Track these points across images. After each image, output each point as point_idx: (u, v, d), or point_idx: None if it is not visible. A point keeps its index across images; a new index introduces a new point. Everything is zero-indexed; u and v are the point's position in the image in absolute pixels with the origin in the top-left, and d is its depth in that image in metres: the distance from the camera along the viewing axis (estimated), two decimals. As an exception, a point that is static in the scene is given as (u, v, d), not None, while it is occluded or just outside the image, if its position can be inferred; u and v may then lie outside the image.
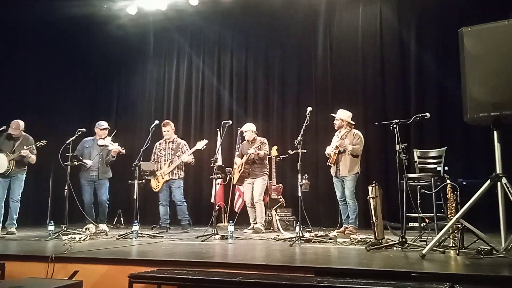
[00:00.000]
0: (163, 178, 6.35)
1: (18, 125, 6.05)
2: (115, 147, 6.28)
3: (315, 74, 7.74)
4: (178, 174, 6.43)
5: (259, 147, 6.17)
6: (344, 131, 5.82)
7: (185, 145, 6.54)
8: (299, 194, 4.93)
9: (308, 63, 7.86)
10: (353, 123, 5.88)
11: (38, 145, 5.98)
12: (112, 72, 9.31)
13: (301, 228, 4.72)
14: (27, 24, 7.47)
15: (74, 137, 5.81)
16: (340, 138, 5.73)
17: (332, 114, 5.98)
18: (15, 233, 5.85)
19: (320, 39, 7.78)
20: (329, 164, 5.83)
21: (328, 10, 7.74)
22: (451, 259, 3.43)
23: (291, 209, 6.79)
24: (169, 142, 6.54)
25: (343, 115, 5.87)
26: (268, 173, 6.43)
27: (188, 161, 6.42)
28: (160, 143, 6.60)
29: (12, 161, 5.95)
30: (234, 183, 6.81)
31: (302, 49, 7.94)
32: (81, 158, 6.16)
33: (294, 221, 6.59)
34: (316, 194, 7.19)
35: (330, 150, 5.85)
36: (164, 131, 6.52)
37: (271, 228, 6.36)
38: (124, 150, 6.29)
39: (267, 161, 6.43)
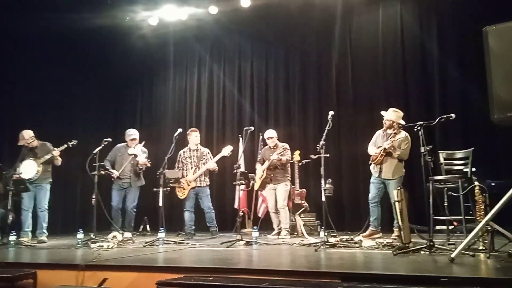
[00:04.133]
0: (189, 186, 6.44)
1: (22, 136, 6.21)
2: (141, 160, 6.41)
3: (336, 77, 7.69)
4: (205, 181, 6.54)
5: (282, 153, 6.17)
6: (392, 132, 5.55)
7: (208, 153, 6.65)
8: (323, 199, 4.90)
9: (328, 67, 7.82)
10: (403, 123, 5.54)
11: (70, 145, 6.14)
12: (135, 82, 9.50)
13: (326, 233, 4.68)
14: (49, 36, 7.64)
15: (101, 147, 5.94)
16: (390, 140, 5.47)
17: (382, 113, 5.69)
18: (45, 242, 6.01)
19: (339, 43, 7.72)
20: (372, 163, 5.63)
21: (346, 13, 7.70)
22: (482, 262, 3.35)
23: (315, 214, 6.75)
24: (193, 150, 6.64)
25: (393, 116, 5.55)
26: (290, 179, 6.41)
27: (213, 168, 6.52)
28: (184, 151, 6.70)
29: (41, 165, 6.13)
30: (256, 189, 6.83)
31: (321, 53, 7.91)
32: (108, 168, 6.30)
33: (319, 226, 6.55)
34: (340, 198, 7.15)
35: (374, 150, 5.61)
36: (196, 136, 6.65)
37: (296, 233, 6.35)
38: (150, 163, 6.41)
39: (289, 167, 6.42)
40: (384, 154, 5.49)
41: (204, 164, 6.53)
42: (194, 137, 6.65)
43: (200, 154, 6.58)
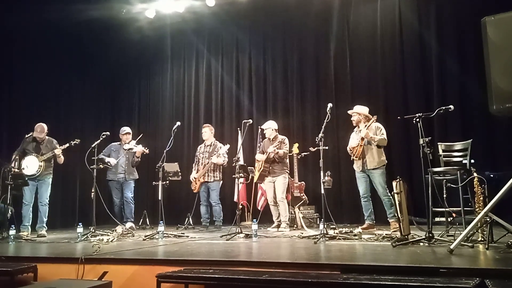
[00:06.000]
0: (199, 181, 6.62)
1: (42, 128, 6.24)
2: (138, 148, 6.52)
3: (334, 69, 7.67)
4: (214, 177, 6.63)
5: (279, 146, 6.17)
6: (363, 126, 5.64)
7: (221, 148, 6.68)
8: (322, 191, 4.91)
9: (326, 59, 7.79)
10: (371, 117, 5.65)
11: (73, 144, 6.15)
12: (132, 75, 9.47)
13: (325, 225, 4.69)
14: (45, 29, 7.58)
15: (99, 140, 5.95)
16: (363, 130, 5.53)
17: (349, 111, 5.84)
18: (45, 236, 6.01)
19: (337, 34, 7.69)
20: (354, 159, 5.68)
21: (344, 4, 7.66)
22: (480, 253, 3.37)
23: (314, 206, 6.78)
24: (208, 145, 6.73)
25: (359, 109, 5.75)
26: (288, 171, 6.40)
27: (218, 163, 6.57)
28: (200, 147, 6.91)
29: (43, 162, 6.13)
30: (255, 181, 6.84)
31: (319, 45, 7.88)
32: (104, 158, 6.37)
33: (318, 218, 6.57)
34: (339, 191, 7.16)
35: (354, 143, 5.69)
36: (203, 132, 6.84)
37: (295, 225, 6.36)
38: (147, 150, 6.55)
39: (287, 159, 6.42)
40: (363, 144, 5.51)
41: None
42: (203, 133, 6.83)
43: (212, 150, 6.66)
